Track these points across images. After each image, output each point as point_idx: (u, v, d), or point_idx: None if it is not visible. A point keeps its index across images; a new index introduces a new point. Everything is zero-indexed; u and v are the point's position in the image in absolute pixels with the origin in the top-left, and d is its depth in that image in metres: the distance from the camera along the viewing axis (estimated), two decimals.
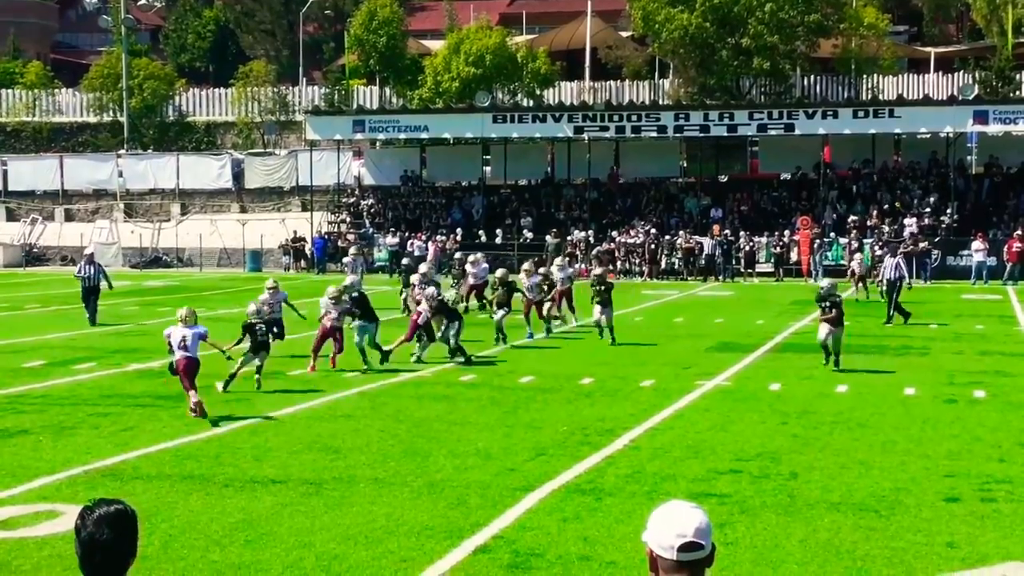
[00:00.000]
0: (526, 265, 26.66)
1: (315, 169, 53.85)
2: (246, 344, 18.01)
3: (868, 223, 46.66)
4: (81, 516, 3.94)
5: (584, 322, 26.33)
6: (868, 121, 47.65)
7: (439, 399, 17.09)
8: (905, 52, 69.32)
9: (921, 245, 43.55)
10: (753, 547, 9.63)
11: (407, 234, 51.11)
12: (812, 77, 64.92)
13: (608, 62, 67.08)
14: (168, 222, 58.27)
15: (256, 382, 17.78)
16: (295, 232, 52.75)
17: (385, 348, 20.56)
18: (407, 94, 63.46)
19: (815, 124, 48.01)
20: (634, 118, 50.38)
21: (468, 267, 30.96)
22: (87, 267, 28.19)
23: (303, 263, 51.61)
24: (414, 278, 24.66)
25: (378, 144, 58.27)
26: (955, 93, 53.25)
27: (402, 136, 54.02)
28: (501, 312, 23.68)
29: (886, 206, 47.92)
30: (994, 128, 46.88)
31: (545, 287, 26.31)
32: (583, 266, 47.23)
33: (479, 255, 32.35)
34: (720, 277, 45.09)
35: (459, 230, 50.72)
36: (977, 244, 42.95)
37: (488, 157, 55.86)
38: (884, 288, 29.35)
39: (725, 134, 49.81)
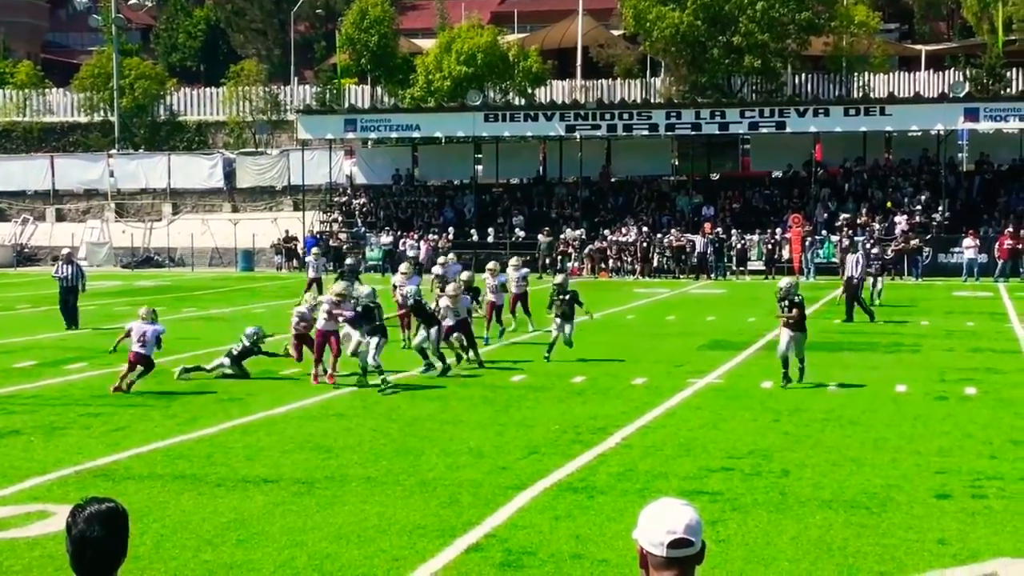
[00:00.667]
0: (490, 264, 25.74)
1: (307, 168, 53.86)
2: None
3: (859, 221, 46.74)
4: (72, 514, 3.95)
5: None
6: (859, 119, 47.76)
7: (431, 398, 17.09)
8: (896, 50, 69.42)
9: (912, 242, 43.65)
10: (745, 544, 9.65)
11: (399, 233, 51.11)
12: (803, 75, 65.01)
13: (600, 60, 67.11)
14: (159, 222, 58.22)
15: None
16: (287, 231, 52.75)
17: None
18: (399, 93, 63.46)
19: (806, 122, 48.10)
20: (626, 116, 50.44)
21: (437, 268, 28.43)
22: (65, 267, 27.23)
23: (295, 263, 51.57)
24: (396, 278, 24.60)
25: (370, 143, 58.31)
26: (946, 91, 53.32)
27: (394, 135, 54.07)
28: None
29: (881, 204, 48.02)
30: (985, 125, 47.02)
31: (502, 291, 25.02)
32: (575, 264, 47.29)
33: (451, 256, 30.71)
34: (712, 275, 45.14)
35: (451, 229, 50.73)
36: (968, 241, 43.04)
37: (480, 156, 55.89)
38: (843, 285, 29.19)
39: (716, 132, 49.90)
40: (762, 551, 9.50)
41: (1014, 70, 61.68)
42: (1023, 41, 63.60)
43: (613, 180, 54.26)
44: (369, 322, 18.18)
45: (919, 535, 9.94)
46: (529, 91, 61.70)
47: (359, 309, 18.33)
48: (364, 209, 55.79)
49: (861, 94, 60.45)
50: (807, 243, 45.27)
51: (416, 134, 53.31)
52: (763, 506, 10.86)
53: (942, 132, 48.70)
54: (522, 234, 50.01)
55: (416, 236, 50.52)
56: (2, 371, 20.04)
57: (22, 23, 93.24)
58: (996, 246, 43.11)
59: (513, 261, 27.01)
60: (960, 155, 51.85)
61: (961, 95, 47.30)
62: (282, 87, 69.86)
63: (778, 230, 47.01)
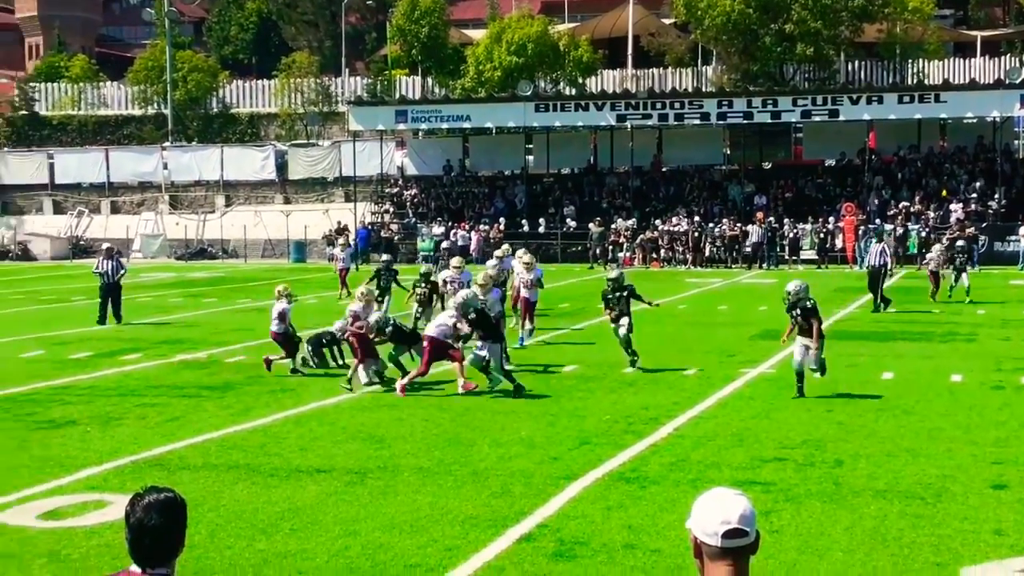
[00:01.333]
0: (523, 255, 23.46)
1: (358, 159, 54.09)
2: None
3: (913, 209, 46.26)
4: (131, 502, 4.02)
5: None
6: (913, 106, 47.25)
7: (481, 388, 17.06)
8: (951, 36, 68.53)
9: (968, 231, 43.13)
10: (798, 535, 9.58)
11: (450, 224, 51.22)
12: (856, 62, 64.34)
13: (650, 49, 66.79)
14: (213, 213, 58.71)
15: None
16: (339, 223, 52.97)
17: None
18: (449, 84, 63.53)
19: (860, 110, 47.66)
20: (677, 105, 50.25)
21: (492, 262, 25.45)
22: (105, 262, 26.60)
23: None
24: (447, 273, 22.91)
25: (421, 134, 58.44)
26: (1002, 77, 52.54)
27: (444, 126, 54.25)
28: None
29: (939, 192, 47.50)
30: None
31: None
32: (626, 255, 47.16)
33: (505, 246, 28.13)
34: (764, 265, 44.85)
35: (502, 219, 50.76)
36: None
37: (530, 146, 55.88)
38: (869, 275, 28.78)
39: (769, 121, 49.57)
40: (816, 541, 9.43)
41: None
42: None
43: (664, 169, 54.08)
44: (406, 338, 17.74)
45: (975, 526, 9.83)
46: (580, 81, 61.57)
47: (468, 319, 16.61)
48: (415, 200, 55.96)
49: (915, 81, 59.78)
50: (860, 232, 44.85)
51: (467, 125, 53.45)
52: (816, 496, 10.78)
53: (998, 119, 48.08)
54: (573, 224, 49.97)
55: (467, 227, 50.62)
56: (58, 362, 20.31)
57: (77, 17, 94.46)
58: None
59: (523, 256, 23.73)
60: (1016, 142, 51.21)
61: (1017, 81, 46.62)
62: (333, 79, 70.15)
63: (831, 219, 46.62)
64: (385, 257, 27.43)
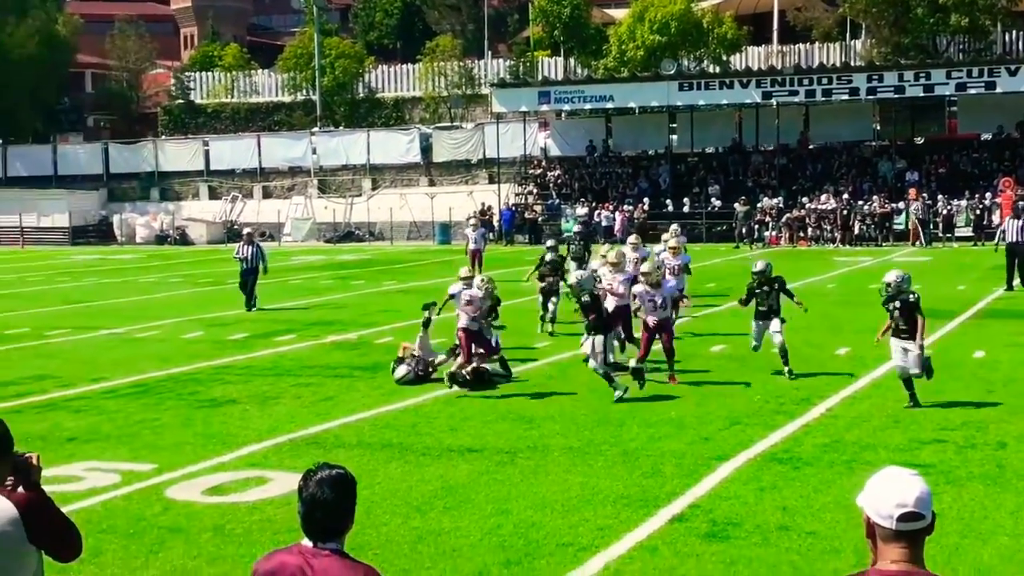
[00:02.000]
0: (631, 241, 21.33)
1: (501, 141, 54.32)
2: None
3: None
4: (304, 477, 4.15)
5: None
6: None
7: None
8: None
9: None
10: (960, 519, 9.33)
11: (594, 205, 51.14)
12: (1014, 32, 62.09)
13: (797, 24, 65.57)
14: (360, 197, 59.64)
15: None
16: (483, 204, 53.33)
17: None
18: (591, 64, 63.29)
19: (1018, 81, 46.08)
20: (824, 81, 49.31)
21: (628, 248, 21.41)
22: (245, 248, 26.84)
23: (491, 235, 52.12)
24: (624, 250, 20.16)
25: (563, 115, 58.37)
26: None
27: (587, 106, 54.12)
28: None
29: None
30: None
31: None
32: (773, 234, 46.48)
33: (636, 235, 24.48)
34: (920, 242, 43.73)
35: (646, 199, 50.51)
36: None
37: (674, 125, 55.38)
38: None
39: (921, 95, 48.28)
40: (979, 525, 9.19)
41: None
42: None
43: (811, 147, 53.11)
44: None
45: None
46: (724, 58, 60.75)
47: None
48: (559, 181, 56.01)
49: None
50: (1020, 207, 43.29)
51: (610, 105, 53.30)
52: (979, 479, 10.50)
53: None
54: (718, 203, 49.45)
55: (611, 207, 50.48)
56: (217, 343, 20.90)
57: (229, 7, 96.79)
58: None
59: (665, 237, 21.96)
60: None
61: None
62: (476, 61, 70.53)
63: (987, 195, 45.22)
64: (550, 243, 24.46)
